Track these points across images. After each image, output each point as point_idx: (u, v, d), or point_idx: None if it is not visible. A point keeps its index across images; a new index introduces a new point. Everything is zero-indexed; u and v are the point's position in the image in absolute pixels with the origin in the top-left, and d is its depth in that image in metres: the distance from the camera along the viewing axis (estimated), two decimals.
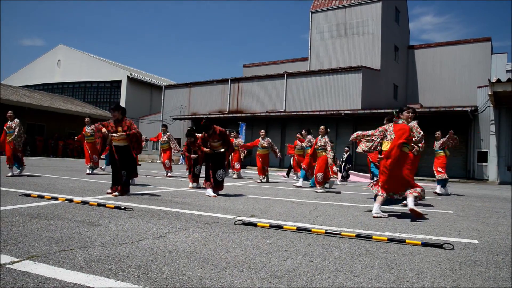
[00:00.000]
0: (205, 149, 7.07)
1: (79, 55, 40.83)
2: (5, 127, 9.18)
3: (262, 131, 12.25)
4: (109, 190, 6.43)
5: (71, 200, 5.19)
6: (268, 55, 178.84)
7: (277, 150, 12.05)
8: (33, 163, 15.33)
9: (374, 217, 5.07)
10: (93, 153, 11.28)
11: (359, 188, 10.55)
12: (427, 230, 4.31)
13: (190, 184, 8.59)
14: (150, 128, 31.43)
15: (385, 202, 5.37)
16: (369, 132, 5.73)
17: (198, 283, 2.19)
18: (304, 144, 11.06)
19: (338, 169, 13.59)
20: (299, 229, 3.87)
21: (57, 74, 41.24)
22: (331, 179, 9.29)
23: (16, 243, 2.85)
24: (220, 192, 7.14)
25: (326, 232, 3.75)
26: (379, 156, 5.62)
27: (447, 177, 10.29)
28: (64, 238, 3.10)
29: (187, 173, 12.21)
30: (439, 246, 3.35)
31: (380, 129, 5.66)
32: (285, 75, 26.48)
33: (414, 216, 5.00)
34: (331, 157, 8.99)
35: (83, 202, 5.08)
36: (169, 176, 11.74)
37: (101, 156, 10.88)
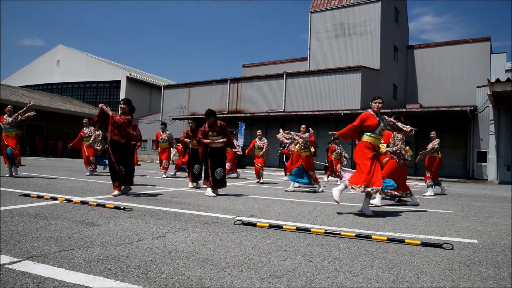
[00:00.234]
0: (205, 140, 7.01)
1: (78, 55, 40.83)
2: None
3: (259, 131, 12.01)
4: (115, 192, 6.36)
5: (70, 200, 5.19)
6: (267, 55, 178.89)
7: (266, 156, 11.58)
8: (32, 163, 15.33)
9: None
10: (91, 155, 11.15)
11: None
12: (426, 230, 4.32)
13: (190, 184, 8.59)
14: (149, 128, 31.42)
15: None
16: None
17: (198, 283, 2.19)
18: (297, 146, 9.63)
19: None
20: (298, 229, 3.87)
21: (57, 74, 41.24)
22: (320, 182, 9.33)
23: (16, 243, 2.85)
24: (219, 192, 7.13)
25: (325, 232, 3.75)
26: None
27: (437, 181, 9.77)
28: (64, 238, 3.09)
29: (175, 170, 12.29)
30: (438, 246, 3.36)
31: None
32: (285, 75, 26.49)
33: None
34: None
35: (82, 202, 5.07)
36: (167, 177, 11.62)
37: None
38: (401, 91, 30.26)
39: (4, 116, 8.76)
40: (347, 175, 6.49)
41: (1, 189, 6.20)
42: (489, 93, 17.27)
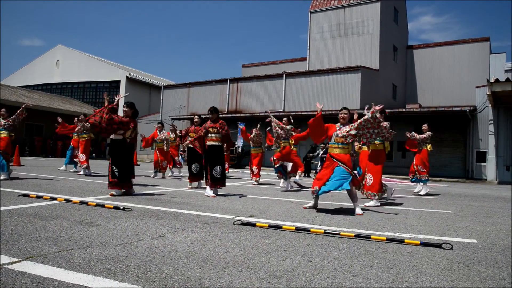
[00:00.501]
0: (207, 132, 7.05)
1: (77, 55, 40.79)
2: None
3: (255, 129, 11.28)
4: (112, 192, 6.37)
5: (70, 201, 5.19)
6: (267, 55, 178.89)
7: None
8: (31, 163, 15.32)
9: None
10: (82, 151, 10.84)
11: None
12: (426, 230, 4.32)
13: (189, 184, 8.58)
14: (149, 128, 31.36)
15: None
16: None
17: (197, 283, 2.19)
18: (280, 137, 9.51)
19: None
20: (298, 229, 3.87)
21: (56, 74, 41.20)
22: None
23: (15, 244, 2.85)
24: (219, 192, 7.13)
25: (325, 232, 3.75)
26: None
27: (427, 178, 9.39)
28: (63, 238, 3.09)
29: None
30: (438, 245, 3.36)
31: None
32: (284, 75, 26.49)
33: None
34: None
35: (82, 203, 5.07)
36: (163, 178, 11.45)
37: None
38: (401, 91, 30.27)
39: None
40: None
41: (1, 189, 6.19)
42: (488, 93, 17.28)
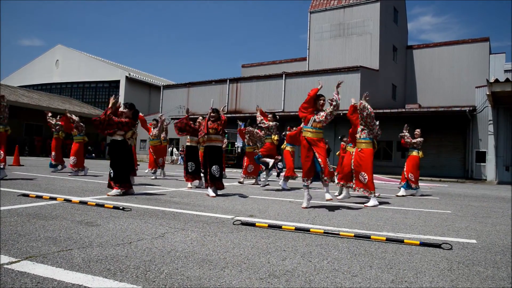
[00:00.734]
0: (207, 126, 7.05)
1: (77, 55, 40.80)
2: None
3: (250, 128, 10.74)
4: (110, 192, 6.37)
5: (69, 200, 5.18)
6: (266, 55, 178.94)
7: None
8: (31, 163, 15.32)
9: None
10: (73, 154, 10.64)
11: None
12: (425, 230, 4.32)
13: (189, 184, 8.58)
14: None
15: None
16: None
17: (197, 283, 2.19)
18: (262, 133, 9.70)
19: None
20: (297, 229, 3.87)
21: (56, 74, 41.21)
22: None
23: (15, 244, 2.85)
24: (218, 192, 7.12)
25: (324, 232, 3.75)
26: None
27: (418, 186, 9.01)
28: (63, 238, 3.09)
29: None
30: (437, 246, 3.36)
31: None
32: (284, 75, 26.50)
33: None
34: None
35: (81, 202, 5.07)
36: (164, 176, 11.38)
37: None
38: (400, 91, 30.29)
39: None
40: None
41: (0, 189, 6.19)
42: (488, 93, 17.30)
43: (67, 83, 40.85)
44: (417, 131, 9.21)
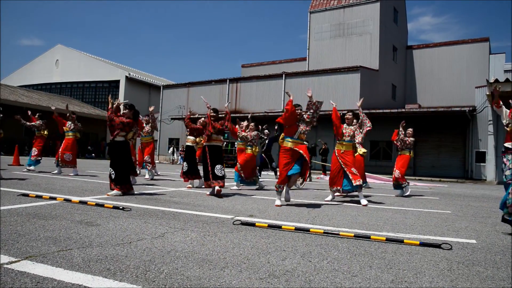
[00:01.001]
0: (212, 124, 7.04)
1: (77, 55, 40.79)
2: None
3: (243, 123, 9.61)
4: (111, 192, 6.36)
5: (69, 200, 5.18)
6: (266, 55, 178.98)
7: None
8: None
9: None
10: (64, 151, 10.35)
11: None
12: (425, 230, 4.32)
13: (188, 184, 8.58)
14: None
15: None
16: None
17: (197, 283, 2.19)
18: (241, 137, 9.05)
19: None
20: (297, 229, 3.87)
21: (55, 74, 41.20)
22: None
23: (14, 243, 2.84)
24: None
25: (324, 232, 3.75)
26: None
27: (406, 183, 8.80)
28: (62, 238, 3.09)
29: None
30: (437, 246, 3.36)
31: None
32: (284, 75, 26.51)
33: None
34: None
35: (81, 202, 5.07)
36: (149, 179, 10.45)
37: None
38: (400, 91, 30.30)
39: None
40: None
41: (0, 189, 6.18)
42: (487, 93, 17.32)
43: (67, 83, 40.84)
44: (410, 130, 9.00)
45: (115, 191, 6.24)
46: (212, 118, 7.12)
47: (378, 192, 9.59)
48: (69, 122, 10.78)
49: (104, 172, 11.76)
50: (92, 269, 2.33)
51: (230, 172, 16.37)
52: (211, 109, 7.23)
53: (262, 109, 26.55)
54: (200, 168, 7.79)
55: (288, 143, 6.00)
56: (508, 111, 4.61)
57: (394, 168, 8.86)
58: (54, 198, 5.28)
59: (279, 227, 3.94)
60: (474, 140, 20.66)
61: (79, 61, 40.05)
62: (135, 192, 6.63)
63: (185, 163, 8.55)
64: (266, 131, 12.59)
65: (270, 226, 3.96)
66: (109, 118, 6.36)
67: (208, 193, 7.04)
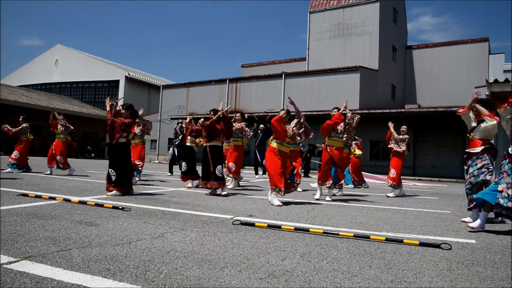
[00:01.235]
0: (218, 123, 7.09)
1: (76, 54, 40.76)
2: None
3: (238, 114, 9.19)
4: (110, 192, 6.35)
5: (68, 200, 5.18)
6: (266, 55, 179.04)
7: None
8: (30, 163, 15.26)
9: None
10: (58, 154, 10.18)
11: (357, 190, 10.56)
12: (424, 230, 4.33)
13: (189, 184, 8.57)
14: None
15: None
16: None
17: (196, 283, 2.19)
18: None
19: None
20: (297, 229, 3.87)
21: (55, 74, 41.16)
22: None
23: (14, 243, 2.84)
24: (217, 192, 7.16)
25: (324, 232, 3.75)
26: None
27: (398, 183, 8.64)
28: (62, 238, 3.09)
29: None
30: (436, 246, 3.36)
31: None
32: (283, 75, 26.50)
33: None
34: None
35: (80, 202, 5.06)
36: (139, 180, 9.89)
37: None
38: (400, 91, 30.30)
39: None
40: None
41: (0, 188, 6.18)
42: (487, 93, 17.29)
43: (67, 83, 40.79)
44: (403, 128, 8.84)
45: (114, 192, 6.23)
46: (215, 118, 7.19)
47: (378, 192, 9.59)
48: (60, 125, 10.53)
49: (100, 172, 11.75)
50: (91, 269, 2.33)
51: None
52: (212, 110, 7.30)
53: (261, 109, 26.54)
54: (199, 168, 7.79)
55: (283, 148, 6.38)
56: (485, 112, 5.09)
57: (390, 167, 8.80)
58: (54, 198, 5.28)
59: (278, 227, 3.94)
60: None
61: (78, 61, 40.01)
62: (134, 192, 6.63)
63: (184, 163, 8.55)
64: (262, 125, 12.46)
65: (270, 226, 3.97)
66: (110, 120, 6.33)
67: (207, 193, 7.06)
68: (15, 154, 10.51)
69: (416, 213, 5.84)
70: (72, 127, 10.72)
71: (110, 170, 6.32)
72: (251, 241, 3.30)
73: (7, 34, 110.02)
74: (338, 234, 3.69)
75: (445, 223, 4.89)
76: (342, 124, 7.27)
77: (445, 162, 21.86)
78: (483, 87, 19.77)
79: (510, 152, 4.39)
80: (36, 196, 5.42)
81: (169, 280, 2.21)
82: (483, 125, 5.24)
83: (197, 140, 8.69)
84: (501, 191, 4.18)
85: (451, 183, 17.38)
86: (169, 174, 13.30)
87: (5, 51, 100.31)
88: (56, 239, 3.04)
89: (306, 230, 3.83)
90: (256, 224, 4.03)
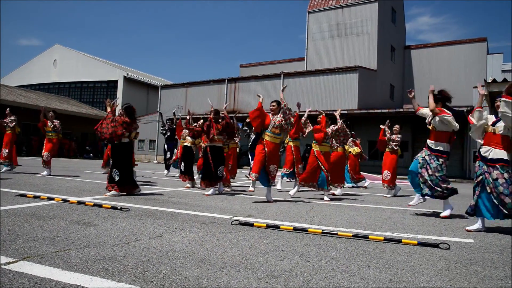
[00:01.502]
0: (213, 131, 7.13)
1: (75, 54, 40.68)
2: None
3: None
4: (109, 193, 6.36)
5: (67, 201, 5.17)
6: (265, 55, 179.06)
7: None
8: (28, 163, 15.27)
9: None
10: (47, 151, 9.96)
11: (356, 189, 10.56)
12: (423, 229, 4.33)
13: (187, 184, 8.57)
14: (147, 128, 31.37)
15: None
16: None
17: (195, 283, 2.19)
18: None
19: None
20: (296, 229, 3.87)
21: (53, 74, 41.09)
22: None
23: (12, 244, 2.84)
24: (216, 191, 7.22)
25: (322, 232, 3.75)
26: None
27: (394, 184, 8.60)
28: (60, 238, 3.08)
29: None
30: (435, 245, 3.37)
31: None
32: (282, 75, 26.50)
33: None
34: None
35: (79, 203, 5.06)
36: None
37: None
38: (398, 91, 30.33)
39: None
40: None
41: None
42: (485, 93, 17.33)
43: (65, 83, 40.71)
44: (396, 127, 8.75)
45: (113, 192, 6.22)
46: (216, 119, 7.25)
47: (376, 192, 9.60)
48: (50, 121, 10.27)
49: (98, 172, 11.73)
50: (90, 270, 2.33)
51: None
52: (214, 110, 7.34)
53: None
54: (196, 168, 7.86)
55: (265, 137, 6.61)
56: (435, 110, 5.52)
57: (382, 169, 8.69)
58: (52, 199, 5.27)
59: (277, 227, 3.94)
60: (472, 140, 20.68)
61: (77, 61, 39.94)
62: (137, 192, 6.63)
63: (182, 163, 8.60)
64: None
65: (269, 226, 3.97)
66: (112, 120, 6.36)
67: (207, 193, 7.05)
68: (4, 152, 10.14)
69: (415, 212, 5.84)
70: (60, 128, 10.37)
71: (113, 170, 6.32)
72: (250, 241, 3.30)
73: (5, 34, 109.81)
74: (336, 234, 3.69)
75: (444, 223, 4.90)
76: (329, 130, 7.74)
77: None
78: (481, 87, 19.81)
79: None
80: (35, 197, 5.41)
81: (168, 280, 2.20)
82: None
83: (196, 141, 8.71)
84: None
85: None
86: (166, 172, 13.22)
87: (3, 51, 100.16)
88: (54, 239, 3.04)
89: (304, 230, 3.83)
90: (254, 224, 4.03)
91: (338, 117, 7.95)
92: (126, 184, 6.34)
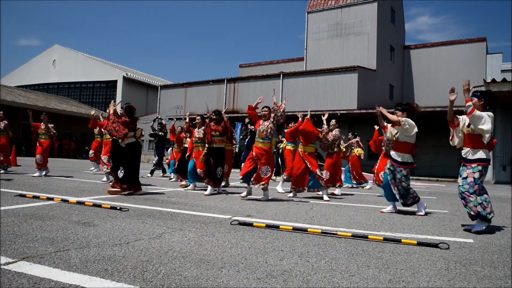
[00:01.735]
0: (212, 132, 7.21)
1: (74, 55, 40.68)
2: None
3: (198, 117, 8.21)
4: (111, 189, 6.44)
5: (66, 201, 5.17)
6: (264, 55, 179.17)
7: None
8: (28, 164, 15.26)
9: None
10: (38, 153, 9.93)
11: (355, 189, 10.57)
12: (422, 229, 4.33)
13: (183, 182, 8.62)
14: (146, 128, 31.31)
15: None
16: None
17: (194, 283, 2.19)
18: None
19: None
20: (295, 229, 3.87)
21: (53, 74, 41.08)
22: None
23: (11, 244, 2.84)
24: (215, 191, 7.30)
25: (322, 232, 3.75)
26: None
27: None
28: (60, 238, 3.08)
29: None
30: (434, 245, 3.37)
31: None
32: (281, 75, 26.50)
33: None
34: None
35: (78, 203, 5.05)
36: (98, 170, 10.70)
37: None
38: (398, 91, 30.34)
39: None
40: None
41: None
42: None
43: (64, 83, 40.71)
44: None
45: (115, 189, 6.31)
46: (214, 121, 7.25)
47: (376, 192, 9.60)
48: (44, 126, 10.25)
49: (98, 173, 11.71)
50: (89, 270, 2.32)
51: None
52: (214, 111, 7.36)
53: (260, 109, 26.54)
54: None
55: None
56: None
57: (376, 169, 8.55)
58: (51, 199, 5.27)
59: (277, 227, 3.94)
60: None
61: (76, 61, 39.94)
62: (142, 192, 6.64)
63: (177, 163, 8.78)
64: (252, 127, 12.45)
65: (268, 226, 3.97)
66: (113, 121, 6.44)
67: (206, 193, 7.06)
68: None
69: (414, 212, 5.84)
70: (53, 131, 10.36)
71: (120, 168, 6.38)
72: (249, 241, 3.30)
73: (5, 34, 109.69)
74: (336, 234, 3.69)
75: (443, 223, 4.90)
76: (331, 136, 7.86)
77: (443, 161, 21.90)
78: (480, 87, 19.84)
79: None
80: (34, 197, 5.40)
81: (167, 280, 2.20)
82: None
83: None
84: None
85: (449, 182, 17.42)
86: (162, 174, 12.99)
87: (3, 51, 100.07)
88: (54, 239, 3.04)
89: (304, 230, 3.83)
90: (254, 224, 4.03)
91: (325, 121, 7.86)
92: (132, 183, 6.42)
